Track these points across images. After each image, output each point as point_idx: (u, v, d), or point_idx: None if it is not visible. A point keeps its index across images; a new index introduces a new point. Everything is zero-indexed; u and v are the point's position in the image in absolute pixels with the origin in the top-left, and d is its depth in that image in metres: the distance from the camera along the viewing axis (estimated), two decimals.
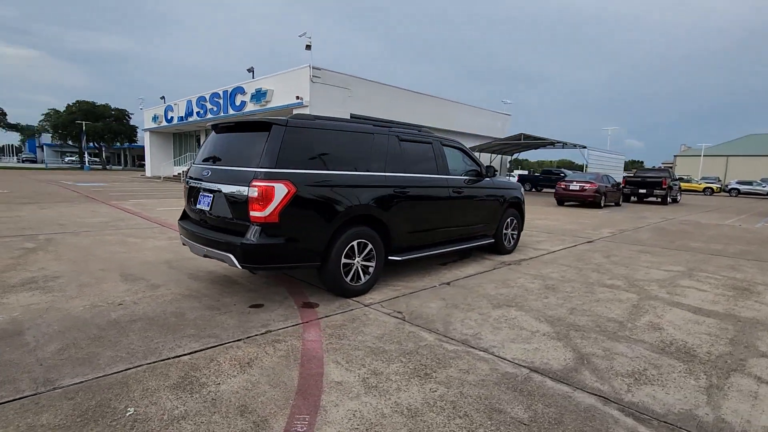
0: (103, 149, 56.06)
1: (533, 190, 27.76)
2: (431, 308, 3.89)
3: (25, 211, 9.67)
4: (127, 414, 2.12)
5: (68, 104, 54.39)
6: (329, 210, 3.86)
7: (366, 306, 3.91)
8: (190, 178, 4.32)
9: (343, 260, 4.03)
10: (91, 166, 52.04)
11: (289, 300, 4.00)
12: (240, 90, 21.81)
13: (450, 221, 5.26)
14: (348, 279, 4.10)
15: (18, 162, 67.24)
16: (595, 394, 2.44)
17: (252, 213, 3.49)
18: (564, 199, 16.61)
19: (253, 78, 21.80)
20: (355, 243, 4.11)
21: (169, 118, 30.53)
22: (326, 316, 3.60)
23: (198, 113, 26.13)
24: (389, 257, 4.56)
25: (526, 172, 36.64)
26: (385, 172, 4.43)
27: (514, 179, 30.69)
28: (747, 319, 3.83)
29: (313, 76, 17.67)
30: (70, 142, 55.76)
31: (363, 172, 4.23)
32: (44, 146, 71.61)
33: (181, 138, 34.78)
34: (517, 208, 6.58)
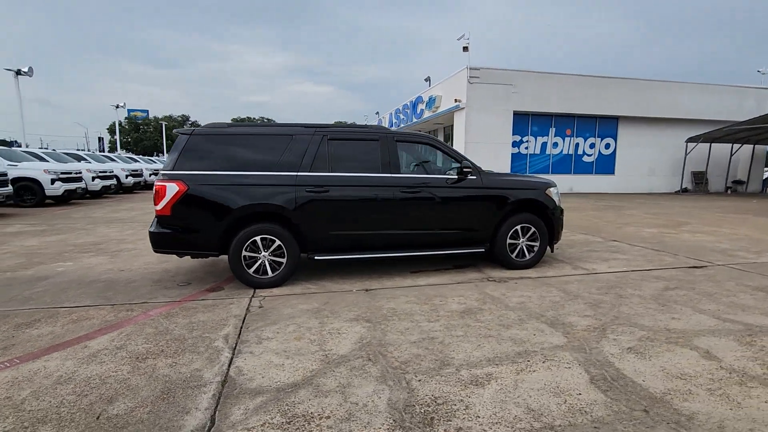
0: None
1: None
2: (293, 310, 3.83)
3: None
4: None
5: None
6: (222, 206, 4.32)
7: (243, 297, 4.17)
8: None
9: (246, 253, 4.41)
10: None
11: (210, 283, 4.65)
12: (420, 99, 23.33)
13: (402, 224, 4.77)
14: (251, 271, 4.44)
15: None
16: None
17: (155, 207, 4.34)
18: None
19: (429, 86, 22.97)
20: (258, 238, 4.42)
21: None
22: (200, 300, 4.10)
23: (395, 123, 29.28)
24: (309, 256, 4.62)
25: None
26: (304, 171, 4.52)
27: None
28: None
29: (470, 77, 17.35)
30: None
31: (274, 172, 4.47)
32: None
33: None
34: (536, 212, 5.20)
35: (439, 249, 4.97)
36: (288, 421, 2.14)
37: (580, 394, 2.37)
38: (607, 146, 20.01)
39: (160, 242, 4.38)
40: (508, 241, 5.10)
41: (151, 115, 65.73)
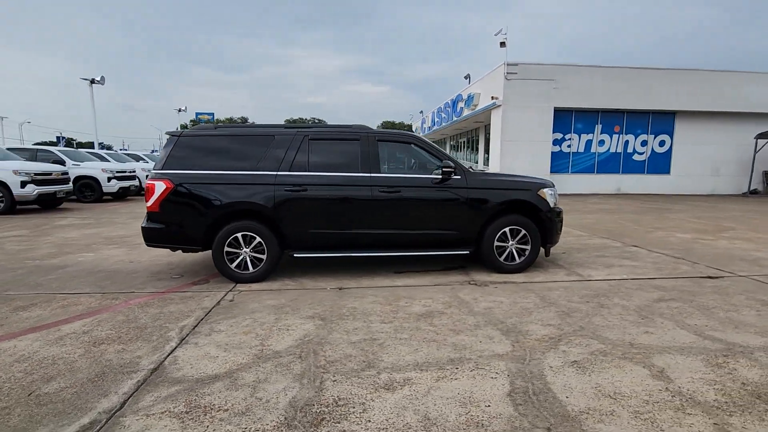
0: None
1: None
2: (259, 305, 3.95)
3: None
4: None
5: (378, 125, 70.52)
6: (205, 203, 4.54)
7: (221, 291, 4.36)
8: None
9: (228, 249, 4.61)
10: None
11: (201, 276, 4.92)
12: (459, 97, 22.89)
13: (382, 224, 4.75)
14: (233, 266, 4.63)
15: None
16: None
17: (146, 204, 4.64)
18: None
19: (469, 83, 22.47)
20: (239, 235, 4.60)
21: (424, 128, 35.00)
22: (175, 291, 4.35)
23: (436, 122, 28.97)
24: (289, 254, 4.74)
25: None
26: (284, 171, 4.64)
27: None
28: None
29: (507, 73, 16.74)
30: None
31: (255, 171, 4.63)
32: None
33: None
34: (527, 214, 4.94)
35: (422, 250, 4.88)
36: (188, 411, 2.23)
37: (489, 406, 2.25)
38: (662, 143, 18.47)
39: (151, 237, 4.69)
40: (496, 243, 4.90)
41: (215, 118, 69.94)
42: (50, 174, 11.60)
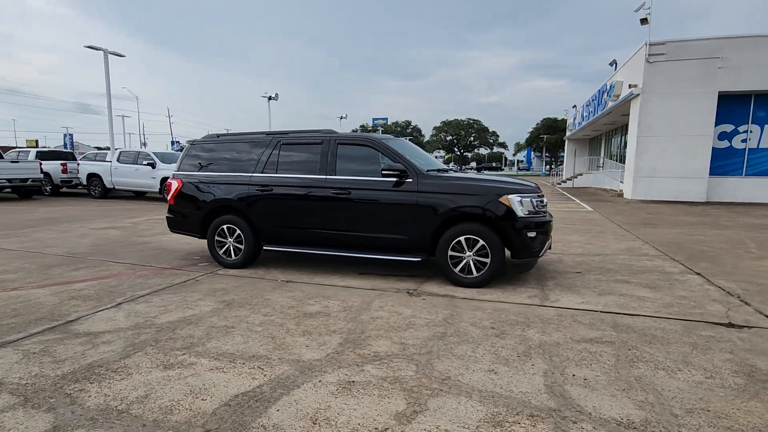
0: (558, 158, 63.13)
1: None
2: (208, 287, 4.65)
3: None
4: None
5: (537, 123, 65.54)
6: (200, 200, 5.48)
7: (201, 272, 5.21)
8: None
9: (218, 238, 5.47)
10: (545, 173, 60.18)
11: (191, 262, 5.91)
12: (604, 87, 19.88)
13: (336, 224, 4.91)
14: (221, 252, 5.47)
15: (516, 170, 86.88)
16: None
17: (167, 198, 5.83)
18: None
19: (614, 70, 19.26)
20: (225, 227, 5.40)
21: (574, 124, 31.36)
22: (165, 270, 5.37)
23: (584, 117, 25.67)
24: (262, 246, 5.33)
25: None
26: (257, 172, 5.24)
27: None
28: None
29: (649, 55, 13.86)
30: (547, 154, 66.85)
31: (236, 173, 5.35)
32: (535, 157, 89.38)
33: (590, 143, 34.42)
34: (487, 224, 4.37)
35: (375, 253, 4.84)
36: (43, 349, 3.01)
37: (205, 400, 2.38)
38: None
39: (170, 224, 5.88)
40: (450, 253, 4.51)
41: (389, 121, 76.44)
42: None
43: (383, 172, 4.59)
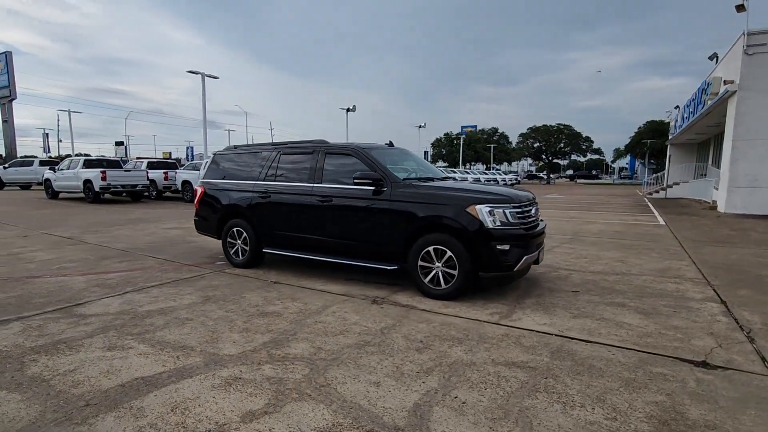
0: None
1: None
2: (203, 283, 5.16)
3: None
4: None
5: (640, 126, 58.99)
6: (216, 205, 6.07)
7: (209, 271, 5.77)
8: None
9: (229, 240, 6.02)
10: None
11: (213, 260, 6.51)
12: (703, 85, 17.37)
13: (322, 231, 5.11)
14: (232, 253, 6.00)
15: (614, 180, 79.35)
16: None
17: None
18: None
19: (715, 65, 16.68)
20: (234, 230, 5.93)
21: (676, 126, 27.73)
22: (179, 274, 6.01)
23: (685, 118, 22.61)
24: (261, 248, 5.73)
25: None
26: (260, 181, 5.67)
27: None
28: None
29: (747, 46, 11.82)
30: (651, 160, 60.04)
31: (244, 181, 5.84)
32: (639, 164, 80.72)
33: (698, 148, 30.03)
34: (455, 234, 4.20)
35: (355, 260, 4.93)
36: (39, 326, 3.66)
37: None
38: None
39: (196, 226, 6.59)
40: (420, 263, 4.43)
41: (477, 128, 75.51)
42: None
43: (354, 180, 4.69)
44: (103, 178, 17.21)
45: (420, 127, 46.56)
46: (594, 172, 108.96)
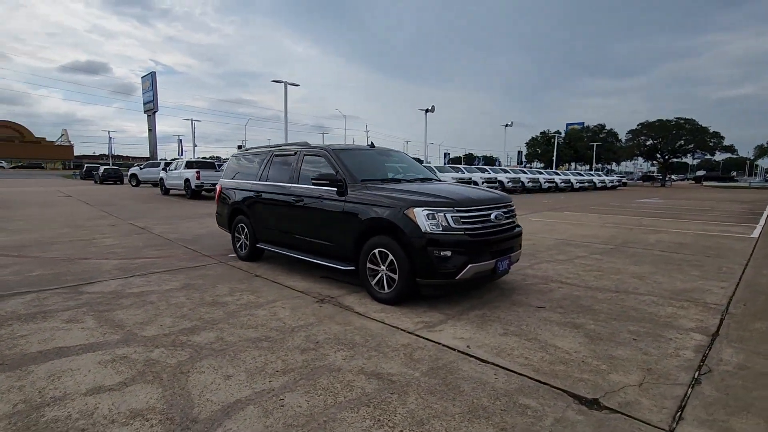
0: None
1: None
2: (203, 272, 5.72)
3: None
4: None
5: None
6: (227, 202, 6.66)
7: (215, 263, 6.34)
8: None
9: (235, 234, 6.57)
10: None
11: (228, 253, 7.08)
12: None
13: (296, 229, 5.33)
14: (237, 246, 6.55)
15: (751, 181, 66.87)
16: None
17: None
18: None
19: None
20: (239, 225, 6.46)
21: None
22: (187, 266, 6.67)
23: None
24: (256, 242, 6.15)
25: None
26: (256, 180, 6.09)
27: None
28: None
29: None
30: None
31: (247, 181, 6.31)
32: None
33: None
34: (395, 237, 4.04)
35: (321, 258, 5.03)
36: (37, 303, 4.48)
37: None
38: None
39: (217, 221, 7.29)
40: (368, 265, 4.37)
41: (584, 125, 70.10)
42: None
43: (312, 180, 4.80)
44: (198, 177, 19.73)
45: (507, 126, 44.35)
46: (733, 174, 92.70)
